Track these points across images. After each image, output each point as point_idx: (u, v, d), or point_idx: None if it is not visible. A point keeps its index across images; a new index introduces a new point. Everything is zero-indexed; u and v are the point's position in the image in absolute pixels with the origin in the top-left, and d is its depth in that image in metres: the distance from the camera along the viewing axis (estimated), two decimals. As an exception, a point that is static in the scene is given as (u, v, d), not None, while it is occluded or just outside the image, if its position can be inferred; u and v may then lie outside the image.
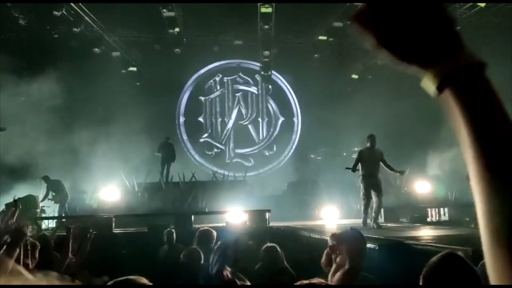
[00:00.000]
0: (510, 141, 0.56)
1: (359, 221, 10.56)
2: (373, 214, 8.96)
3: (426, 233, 7.42)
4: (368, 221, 9.12)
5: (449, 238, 5.89)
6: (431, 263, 1.96)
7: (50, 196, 12.24)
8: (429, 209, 11.09)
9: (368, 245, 5.31)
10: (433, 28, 0.64)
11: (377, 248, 4.94)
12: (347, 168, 9.47)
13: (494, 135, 0.57)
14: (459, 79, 0.61)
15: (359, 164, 9.17)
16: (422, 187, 13.69)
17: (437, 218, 10.59)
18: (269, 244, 4.88)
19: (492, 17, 12.96)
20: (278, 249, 4.71)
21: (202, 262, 4.13)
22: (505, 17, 12.34)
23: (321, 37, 15.88)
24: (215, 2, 13.61)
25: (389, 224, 9.51)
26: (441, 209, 10.66)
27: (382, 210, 9.51)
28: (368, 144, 9.19)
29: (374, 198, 8.98)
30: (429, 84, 0.63)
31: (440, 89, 0.62)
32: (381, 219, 9.40)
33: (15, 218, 4.49)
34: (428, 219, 10.76)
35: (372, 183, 9.03)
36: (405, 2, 0.64)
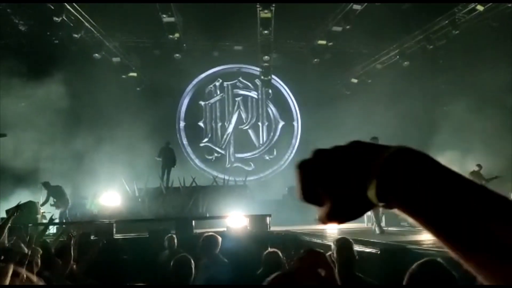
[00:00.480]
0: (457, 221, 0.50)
1: (361, 225, 10.57)
2: (375, 219, 8.87)
3: (427, 237, 7.41)
4: (369, 225, 9.11)
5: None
6: (411, 271, 2.03)
7: (51, 202, 12.23)
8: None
9: (370, 250, 5.33)
10: (352, 161, 0.58)
11: (378, 253, 4.94)
12: None
13: (443, 223, 0.51)
14: (388, 191, 0.54)
15: None
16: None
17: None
18: (270, 250, 4.87)
19: (491, 21, 13.00)
20: (280, 254, 4.71)
21: (193, 269, 4.12)
22: (504, 21, 12.38)
23: (320, 42, 15.93)
24: (214, 2, 13.60)
25: (390, 228, 9.50)
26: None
27: (383, 215, 9.47)
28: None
29: None
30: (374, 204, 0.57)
31: (384, 206, 0.57)
32: (383, 224, 9.38)
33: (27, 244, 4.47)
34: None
35: None
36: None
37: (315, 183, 0.61)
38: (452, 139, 12.83)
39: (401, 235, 7.94)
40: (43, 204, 12.11)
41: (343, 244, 3.55)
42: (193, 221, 10.10)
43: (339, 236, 4.02)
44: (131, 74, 16.81)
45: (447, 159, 11.30)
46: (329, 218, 0.60)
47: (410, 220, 0.55)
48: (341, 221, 0.60)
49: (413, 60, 15.78)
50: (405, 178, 0.53)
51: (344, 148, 0.61)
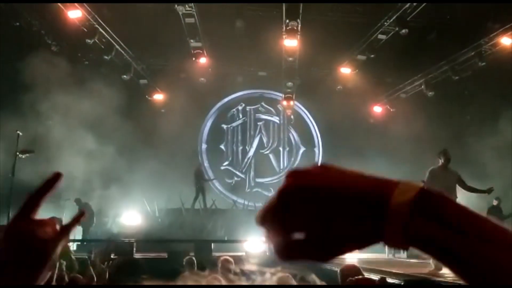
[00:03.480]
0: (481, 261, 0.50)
1: (381, 256, 10.37)
2: None
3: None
4: (390, 255, 8.91)
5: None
6: None
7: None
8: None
9: (393, 281, 5.24)
10: (349, 206, 0.54)
11: (402, 283, 4.85)
12: None
13: (467, 265, 0.50)
14: (410, 238, 0.52)
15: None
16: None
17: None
18: (280, 275, 4.77)
19: None
20: (292, 280, 4.64)
21: None
22: None
23: (344, 69, 16.02)
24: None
25: (411, 260, 9.30)
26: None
27: None
28: (441, 162, 7.10)
29: None
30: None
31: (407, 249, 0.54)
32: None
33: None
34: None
35: None
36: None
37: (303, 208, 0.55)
38: (475, 173, 12.55)
39: (423, 267, 7.76)
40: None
41: (349, 272, 3.50)
42: (212, 244, 10.10)
43: (346, 263, 3.96)
44: (157, 95, 17.17)
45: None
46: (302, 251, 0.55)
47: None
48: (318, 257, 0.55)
49: (438, 90, 15.69)
50: (435, 225, 0.51)
51: (346, 176, 0.57)
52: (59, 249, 0.85)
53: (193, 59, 15.29)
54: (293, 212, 0.55)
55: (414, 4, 12.22)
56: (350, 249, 0.54)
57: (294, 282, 4.70)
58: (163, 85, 17.18)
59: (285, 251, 0.56)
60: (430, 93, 15.70)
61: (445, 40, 14.60)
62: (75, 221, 0.88)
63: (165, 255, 9.45)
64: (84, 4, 11.83)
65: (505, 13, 12.16)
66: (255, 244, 10.28)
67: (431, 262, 6.28)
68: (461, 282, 0.53)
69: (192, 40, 13.93)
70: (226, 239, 12.39)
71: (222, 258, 5.36)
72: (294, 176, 0.57)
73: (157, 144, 15.03)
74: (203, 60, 15.38)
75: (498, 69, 13.17)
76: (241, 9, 14.48)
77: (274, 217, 0.57)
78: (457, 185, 7.06)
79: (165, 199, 13.85)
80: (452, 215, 0.52)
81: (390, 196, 0.52)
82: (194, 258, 7.25)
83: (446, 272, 6.09)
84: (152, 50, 16.09)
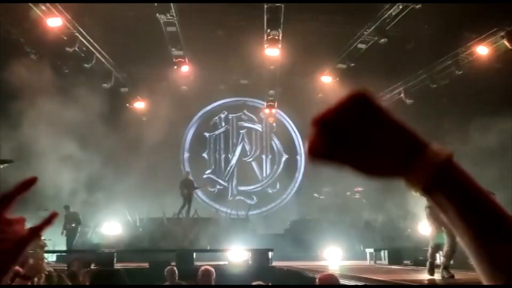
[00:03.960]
0: (489, 214, 0.63)
1: (363, 262, 10.46)
2: (444, 259, 7.04)
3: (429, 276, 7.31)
4: (372, 262, 8.98)
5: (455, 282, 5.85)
6: None
7: (69, 227, 12.24)
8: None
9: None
10: (393, 138, 0.64)
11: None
12: None
13: (478, 214, 0.63)
14: (438, 182, 0.63)
15: None
16: (426, 229, 13.59)
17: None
18: (255, 283, 4.72)
19: (494, 63, 13.11)
20: None
21: None
22: (507, 63, 12.51)
23: (325, 78, 16.17)
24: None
25: (393, 266, 9.39)
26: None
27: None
28: None
29: (446, 238, 6.65)
30: (411, 188, 0.65)
31: (425, 193, 0.65)
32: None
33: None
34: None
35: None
36: (354, 121, 0.64)
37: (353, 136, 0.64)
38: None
39: (405, 273, 7.85)
40: (63, 230, 12.09)
41: (326, 281, 3.53)
42: (194, 254, 10.04)
43: (325, 273, 4.00)
44: (138, 103, 17.05)
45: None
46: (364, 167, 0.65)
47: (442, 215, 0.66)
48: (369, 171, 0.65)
49: (417, 98, 15.95)
50: (457, 179, 0.64)
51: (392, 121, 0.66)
52: (27, 250, 0.84)
53: (175, 67, 15.26)
54: (355, 116, 0.64)
55: (393, 13, 12.44)
56: (376, 172, 0.65)
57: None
58: (145, 93, 17.09)
59: (329, 149, 0.64)
60: (409, 101, 15.95)
61: (423, 49, 14.89)
62: (47, 221, 0.88)
63: (146, 265, 9.35)
64: (64, 12, 11.71)
65: (481, 22, 12.47)
66: (237, 253, 10.26)
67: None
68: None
69: (173, 49, 13.91)
70: (208, 248, 12.32)
71: (202, 268, 5.33)
72: (367, 91, 0.66)
73: (138, 153, 14.91)
74: (185, 68, 15.35)
75: (475, 77, 13.46)
76: (223, 18, 14.55)
77: (339, 114, 0.65)
78: None
79: (146, 209, 13.72)
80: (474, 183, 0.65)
81: (428, 144, 0.65)
82: (175, 268, 7.19)
83: (424, 279, 6.17)
84: (133, 58, 16.00)
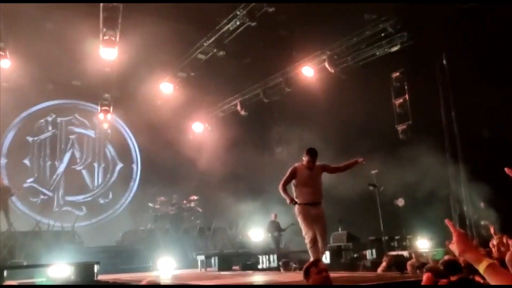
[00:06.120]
0: None
1: (195, 270, 10.50)
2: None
3: (256, 279, 7.65)
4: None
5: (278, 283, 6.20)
6: None
7: None
8: (260, 256, 11.57)
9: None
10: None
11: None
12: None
13: None
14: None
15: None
16: (256, 235, 14.40)
17: (267, 265, 11.03)
18: None
19: (340, 74, 14.09)
20: None
21: None
22: (352, 75, 13.70)
23: (164, 85, 15.92)
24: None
25: (222, 272, 9.59)
26: (271, 256, 11.17)
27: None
28: (306, 159, 6.56)
29: (318, 237, 6.44)
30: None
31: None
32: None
33: None
34: (259, 266, 11.17)
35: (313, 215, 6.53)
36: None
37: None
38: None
39: (230, 278, 8.05)
40: None
41: None
42: (5, 271, 8.77)
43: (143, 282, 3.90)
44: None
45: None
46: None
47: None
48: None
49: (251, 111, 16.82)
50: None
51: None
52: None
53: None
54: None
55: (231, 28, 12.95)
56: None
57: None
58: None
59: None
60: (244, 112, 16.73)
61: (258, 65, 15.82)
62: None
63: None
64: None
65: (309, 43, 13.67)
66: (59, 268, 9.29)
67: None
68: None
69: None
70: (25, 264, 10.92)
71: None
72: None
73: None
74: (5, 63, 13.54)
75: (300, 95, 14.72)
76: (54, 11, 13.22)
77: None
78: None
79: None
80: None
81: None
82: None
83: (251, 281, 6.38)
84: None
